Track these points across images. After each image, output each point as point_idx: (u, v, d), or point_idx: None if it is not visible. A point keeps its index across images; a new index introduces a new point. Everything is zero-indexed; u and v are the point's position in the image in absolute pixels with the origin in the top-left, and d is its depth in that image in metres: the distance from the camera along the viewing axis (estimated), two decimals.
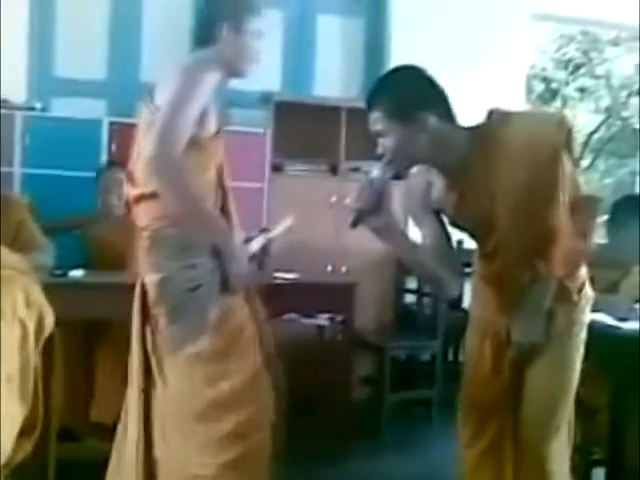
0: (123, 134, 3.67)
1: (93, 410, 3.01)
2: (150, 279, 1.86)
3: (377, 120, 1.73)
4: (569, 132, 1.76)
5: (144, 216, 1.91)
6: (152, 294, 1.85)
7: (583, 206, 1.84)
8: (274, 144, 4.00)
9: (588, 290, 1.96)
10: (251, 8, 1.97)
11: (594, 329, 2.13)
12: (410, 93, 1.74)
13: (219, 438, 1.76)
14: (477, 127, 1.79)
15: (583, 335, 1.94)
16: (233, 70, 1.97)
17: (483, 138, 1.76)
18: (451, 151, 1.77)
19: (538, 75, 8.08)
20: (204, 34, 1.96)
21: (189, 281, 1.83)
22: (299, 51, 4.43)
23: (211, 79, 1.82)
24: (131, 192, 1.96)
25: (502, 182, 1.73)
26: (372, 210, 1.71)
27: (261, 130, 3.95)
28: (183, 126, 1.76)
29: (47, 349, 0.99)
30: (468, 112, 1.85)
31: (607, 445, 2.44)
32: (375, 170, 1.74)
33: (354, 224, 1.72)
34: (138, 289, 1.92)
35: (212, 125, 1.93)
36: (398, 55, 4.32)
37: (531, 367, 1.89)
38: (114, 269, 3.03)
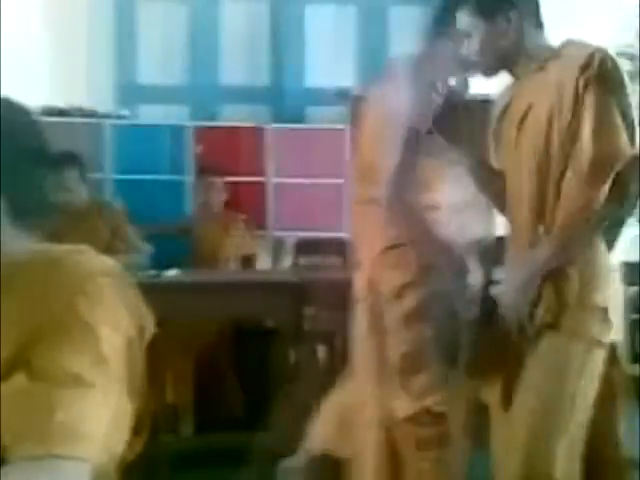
0: (206, 137, 3.78)
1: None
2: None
3: (463, 18, 1.63)
4: (599, 71, 1.53)
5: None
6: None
7: (626, 166, 1.54)
8: (353, 140, 4.00)
9: (602, 302, 1.59)
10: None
11: None
12: None
13: None
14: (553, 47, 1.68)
15: (597, 357, 1.60)
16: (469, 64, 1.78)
17: (553, 55, 1.65)
18: (532, 58, 1.65)
19: (626, 53, 7.72)
20: (440, 25, 1.79)
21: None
22: (374, 44, 4.42)
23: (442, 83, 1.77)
24: (365, 192, 1.89)
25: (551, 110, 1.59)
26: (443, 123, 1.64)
27: (340, 126, 3.97)
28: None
29: (152, 350, 1.04)
30: None
31: None
32: (454, 80, 1.66)
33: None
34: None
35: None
36: None
37: (526, 360, 1.62)
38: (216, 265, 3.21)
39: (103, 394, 0.84)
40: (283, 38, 4.27)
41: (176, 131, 3.86)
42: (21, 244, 0.95)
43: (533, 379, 1.61)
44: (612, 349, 1.66)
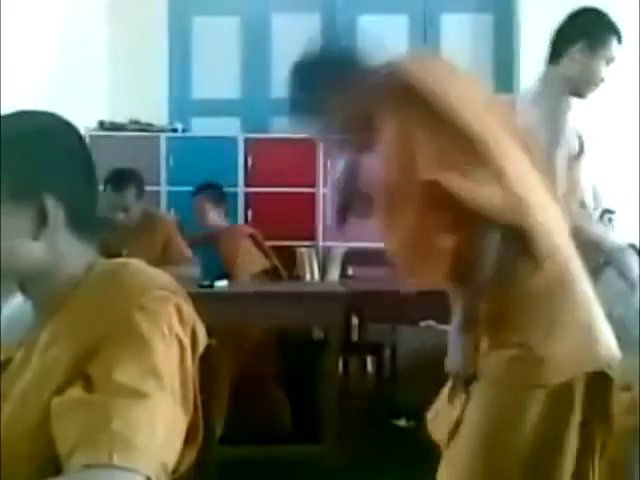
0: (257, 149, 3.84)
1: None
2: None
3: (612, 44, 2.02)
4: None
5: None
6: None
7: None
8: None
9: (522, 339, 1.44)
10: (612, 31, 2.05)
11: None
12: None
13: None
14: None
15: (529, 401, 1.43)
16: (574, 89, 2.02)
17: None
18: None
19: None
20: (555, 50, 2.07)
21: None
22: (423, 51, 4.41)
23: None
24: None
25: None
26: None
27: None
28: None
29: (206, 360, 1.06)
30: None
31: None
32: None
33: None
34: None
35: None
36: (530, 50, 4.20)
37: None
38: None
39: (158, 405, 0.86)
40: None
41: (228, 143, 3.92)
42: (80, 259, 0.99)
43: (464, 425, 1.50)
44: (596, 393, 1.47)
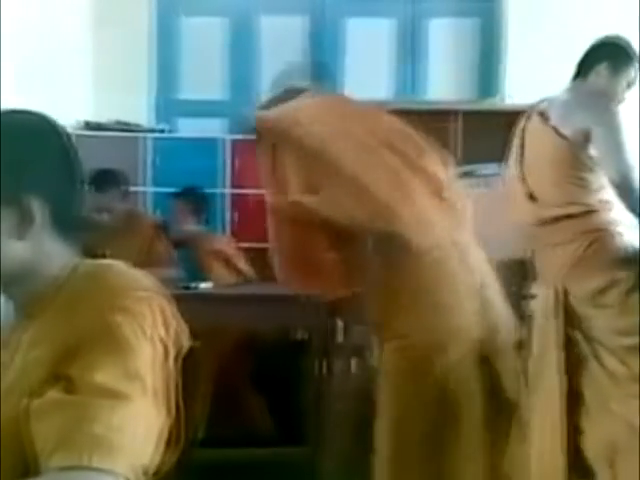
0: (244, 150, 3.83)
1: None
2: None
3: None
4: None
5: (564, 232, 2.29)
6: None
7: None
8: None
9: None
10: (634, 58, 2.39)
11: None
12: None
13: None
14: None
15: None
16: None
17: None
18: None
19: None
20: (584, 66, 2.40)
21: None
22: (412, 56, 4.42)
23: None
24: (540, 214, 2.35)
25: None
26: None
27: None
28: None
29: (188, 362, 1.06)
30: None
31: None
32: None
33: None
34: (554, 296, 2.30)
35: None
36: (515, 53, 4.23)
37: None
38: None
39: (138, 407, 0.86)
40: (324, 51, 4.30)
41: (214, 144, 3.91)
42: (64, 260, 0.98)
43: None
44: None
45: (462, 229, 1.81)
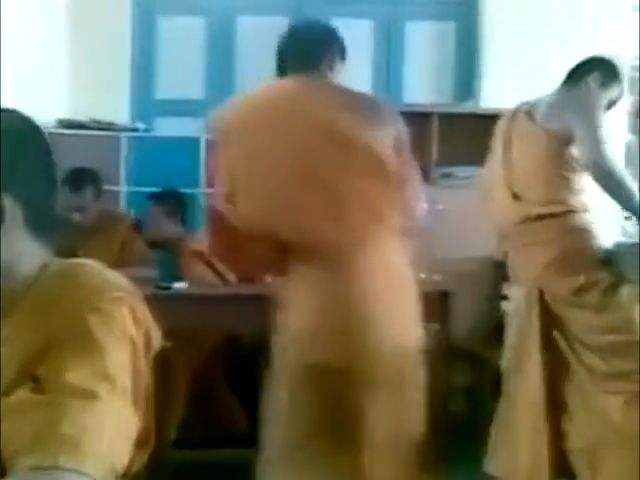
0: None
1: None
2: None
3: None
4: None
5: (546, 231, 2.39)
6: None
7: None
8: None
9: None
10: (621, 78, 2.54)
11: None
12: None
13: None
14: None
15: None
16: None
17: None
18: None
19: None
20: (574, 75, 2.54)
21: None
22: (389, 59, 4.44)
23: None
24: (522, 213, 2.44)
25: None
26: None
27: None
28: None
29: (161, 363, 1.06)
30: None
31: None
32: None
33: None
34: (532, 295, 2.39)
35: None
36: (491, 57, 4.27)
37: None
38: None
39: (108, 407, 0.86)
40: None
41: (191, 144, 3.90)
42: (35, 259, 0.98)
43: None
44: None
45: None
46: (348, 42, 4.31)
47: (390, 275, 1.87)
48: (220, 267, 3.32)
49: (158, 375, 1.04)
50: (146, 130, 4.04)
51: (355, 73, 4.25)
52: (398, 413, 1.82)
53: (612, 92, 2.52)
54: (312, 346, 1.77)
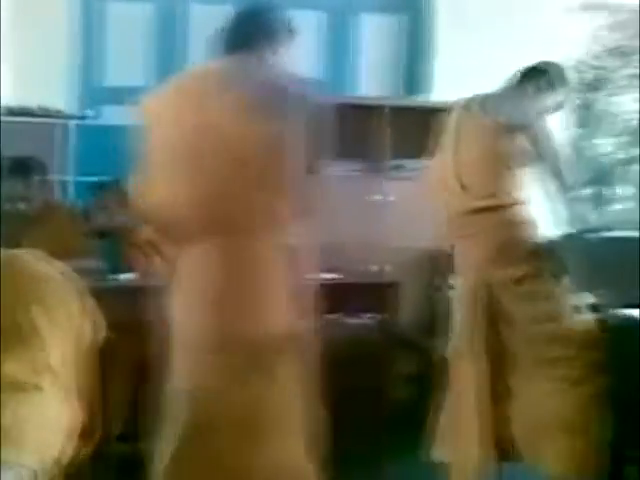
0: None
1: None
2: None
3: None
4: None
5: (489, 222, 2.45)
6: None
7: None
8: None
9: None
10: (565, 82, 2.63)
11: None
12: None
13: None
14: None
15: None
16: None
17: None
18: None
19: (587, 63, 7.91)
20: (527, 76, 2.60)
21: None
22: (341, 50, 4.45)
23: None
24: (468, 204, 2.49)
25: None
26: None
27: None
28: None
29: (105, 355, 1.05)
30: None
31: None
32: None
33: None
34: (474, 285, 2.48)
35: None
36: (442, 51, 4.32)
37: None
38: None
39: (49, 400, 0.85)
40: None
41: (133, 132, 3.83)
42: None
43: None
44: None
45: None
46: (301, 33, 4.34)
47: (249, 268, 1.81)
48: (171, 255, 3.29)
49: (103, 367, 1.04)
50: (94, 118, 3.96)
51: (308, 65, 4.30)
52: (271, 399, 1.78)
53: (559, 95, 2.63)
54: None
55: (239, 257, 1.73)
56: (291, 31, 2.01)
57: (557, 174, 2.41)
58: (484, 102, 2.56)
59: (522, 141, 2.45)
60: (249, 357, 1.70)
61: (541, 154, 2.42)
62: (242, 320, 1.71)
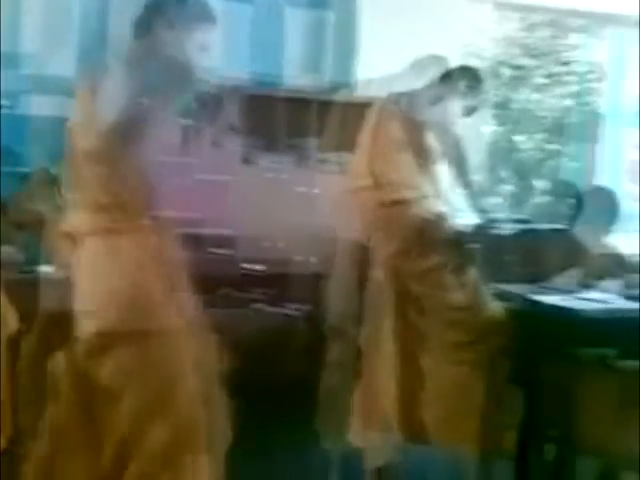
0: None
1: None
2: None
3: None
4: None
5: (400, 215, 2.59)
6: None
7: None
8: (243, 137, 4.03)
9: None
10: (481, 85, 2.83)
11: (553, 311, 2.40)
12: None
13: None
14: None
15: None
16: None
17: None
18: None
19: (506, 62, 8.17)
20: (444, 78, 2.81)
21: None
22: (266, 43, 4.46)
23: None
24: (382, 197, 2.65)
25: None
26: None
27: None
28: None
29: (13, 347, 1.05)
30: None
31: (558, 422, 2.58)
32: None
33: None
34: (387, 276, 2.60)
35: None
36: (366, 45, 4.39)
37: None
38: None
39: None
40: None
41: (57, 123, 3.74)
42: None
43: None
44: None
45: None
46: (228, 26, 4.32)
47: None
48: None
49: (15, 360, 1.04)
50: (11, 107, 3.84)
51: (234, 57, 4.29)
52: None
53: (474, 98, 2.77)
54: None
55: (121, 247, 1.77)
56: (205, 18, 2.02)
57: (463, 172, 2.51)
58: (399, 99, 2.66)
59: (433, 138, 2.55)
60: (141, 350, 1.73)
61: (448, 152, 2.52)
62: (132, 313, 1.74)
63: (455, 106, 2.62)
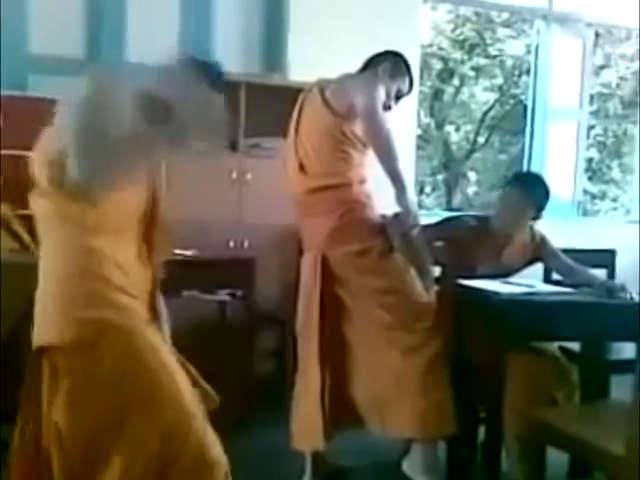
0: (13, 108, 3.51)
1: None
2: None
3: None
4: None
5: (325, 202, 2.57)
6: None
7: None
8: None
9: None
10: (406, 70, 2.79)
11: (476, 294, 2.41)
12: None
13: None
14: None
15: None
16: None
17: None
18: None
19: (436, 54, 8.32)
20: (371, 64, 2.78)
21: None
22: (196, 25, 4.36)
23: None
24: (307, 184, 2.61)
25: None
26: None
27: None
28: None
29: None
30: None
31: (488, 404, 2.64)
32: None
33: None
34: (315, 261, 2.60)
35: None
36: (297, 30, 4.36)
37: None
38: None
39: None
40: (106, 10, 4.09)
41: None
42: None
43: None
44: None
45: None
46: (155, 8, 4.20)
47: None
48: (22, 233, 3.11)
49: None
50: (19, 88, 3.63)
51: (162, 39, 4.17)
52: None
53: (400, 84, 2.74)
54: None
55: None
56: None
57: (386, 160, 2.50)
58: (327, 85, 2.63)
59: (358, 125, 2.54)
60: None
61: (371, 139, 2.51)
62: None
63: (380, 91, 2.58)
